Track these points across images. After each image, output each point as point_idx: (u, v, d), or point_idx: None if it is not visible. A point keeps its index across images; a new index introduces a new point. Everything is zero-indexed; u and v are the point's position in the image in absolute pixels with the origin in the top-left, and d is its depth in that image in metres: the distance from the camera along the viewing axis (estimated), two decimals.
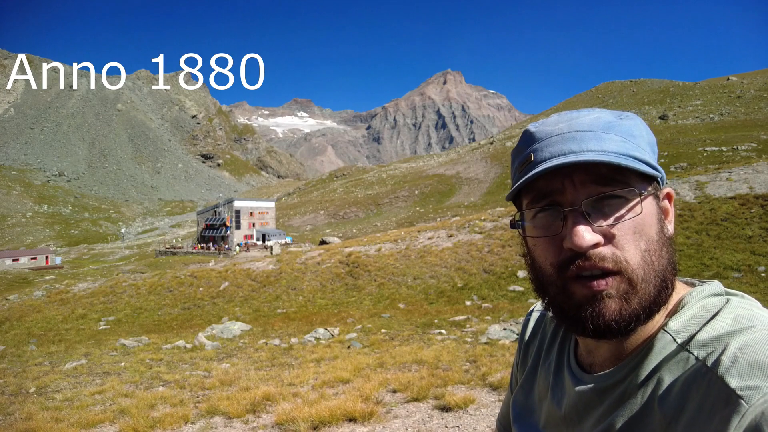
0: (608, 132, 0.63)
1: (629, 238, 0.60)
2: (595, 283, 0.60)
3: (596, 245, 0.60)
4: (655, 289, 0.60)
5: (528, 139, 0.68)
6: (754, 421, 0.49)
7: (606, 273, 0.60)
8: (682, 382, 0.56)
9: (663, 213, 0.66)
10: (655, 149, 0.68)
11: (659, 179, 0.65)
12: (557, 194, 0.63)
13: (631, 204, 0.61)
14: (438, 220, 45.97)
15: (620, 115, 0.67)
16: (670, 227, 0.67)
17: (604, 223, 0.60)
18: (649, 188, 0.63)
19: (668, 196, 0.68)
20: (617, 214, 0.61)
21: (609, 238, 0.60)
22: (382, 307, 15.45)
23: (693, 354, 0.57)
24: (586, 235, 0.59)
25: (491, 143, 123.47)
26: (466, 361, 6.55)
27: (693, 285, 0.68)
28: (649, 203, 0.62)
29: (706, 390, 0.53)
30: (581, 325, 0.62)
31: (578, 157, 0.60)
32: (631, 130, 0.64)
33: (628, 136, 0.64)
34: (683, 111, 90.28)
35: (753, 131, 61.31)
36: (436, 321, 11.24)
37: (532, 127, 0.68)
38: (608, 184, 0.61)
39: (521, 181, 0.65)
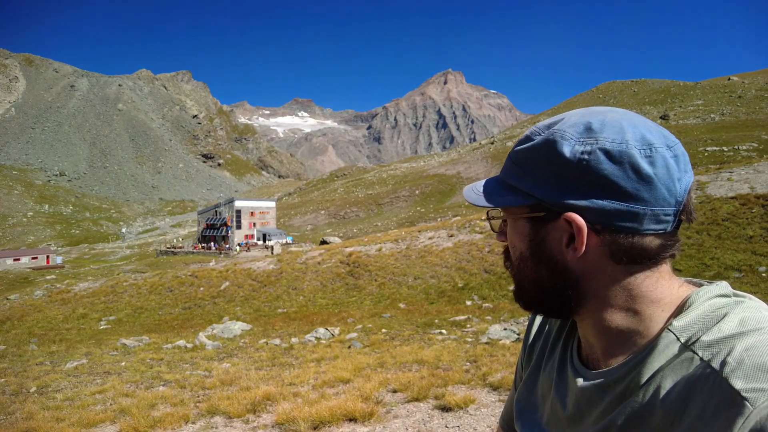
0: (508, 159, 0.73)
1: (511, 244, 0.75)
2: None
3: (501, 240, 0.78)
4: (533, 291, 0.72)
5: None
6: (758, 423, 0.49)
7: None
8: (685, 382, 0.56)
9: (564, 236, 0.65)
10: (566, 173, 0.64)
11: (538, 204, 0.67)
12: None
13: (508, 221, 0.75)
14: (439, 220, 45.96)
15: (543, 129, 0.69)
16: (571, 252, 0.65)
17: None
18: (517, 210, 0.71)
19: (567, 221, 0.64)
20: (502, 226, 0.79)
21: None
22: (382, 307, 15.45)
23: (698, 355, 0.57)
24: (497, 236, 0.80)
25: (492, 143, 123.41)
26: (467, 361, 6.54)
27: (700, 285, 0.67)
28: (519, 223, 0.72)
29: (711, 391, 0.53)
30: None
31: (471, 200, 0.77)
32: (521, 155, 0.70)
33: (517, 160, 0.71)
34: (684, 111, 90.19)
35: (754, 131, 61.24)
36: (436, 321, 11.24)
37: None
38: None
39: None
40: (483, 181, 0.77)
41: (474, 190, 0.76)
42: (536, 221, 0.68)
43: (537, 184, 0.67)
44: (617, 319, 0.65)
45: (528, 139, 0.70)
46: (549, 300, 0.70)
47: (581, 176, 0.63)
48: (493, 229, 0.82)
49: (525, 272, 0.72)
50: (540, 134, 0.68)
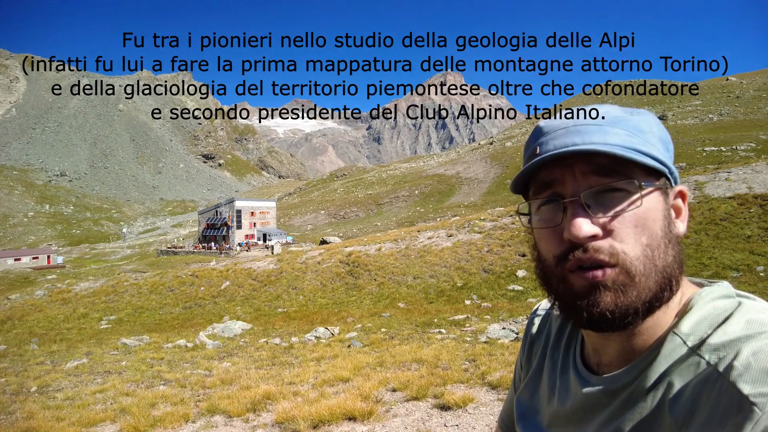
0: (614, 126, 0.64)
1: (629, 231, 0.60)
2: (591, 273, 0.60)
3: (594, 237, 0.60)
4: (655, 285, 0.60)
5: (536, 133, 0.69)
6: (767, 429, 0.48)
7: (604, 264, 0.60)
8: (692, 387, 0.55)
9: (675, 211, 0.66)
10: (670, 147, 0.68)
11: (669, 175, 0.65)
12: (558, 185, 0.63)
13: (633, 197, 0.60)
14: (438, 219, 45.99)
15: (630, 111, 0.67)
16: (681, 226, 0.66)
17: (604, 216, 0.60)
18: (656, 183, 0.63)
19: (681, 195, 0.67)
20: (618, 207, 0.60)
21: (608, 231, 0.60)
22: (382, 306, 15.47)
23: (704, 358, 0.56)
24: (584, 226, 0.59)
25: (491, 143, 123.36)
26: (466, 360, 6.56)
27: (702, 285, 0.67)
28: (653, 198, 0.62)
29: (718, 396, 0.52)
30: (578, 316, 0.62)
31: (578, 147, 0.61)
32: (639, 126, 0.65)
33: (636, 130, 0.64)
34: (682, 111, 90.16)
35: (752, 131, 61.25)
36: (435, 320, 11.25)
37: (541, 122, 0.70)
38: (609, 176, 0.61)
39: (523, 170, 0.66)
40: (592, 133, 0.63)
41: (603, 140, 0.62)
42: (666, 194, 0.64)
43: (661, 152, 0.65)
44: None
45: (636, 112, 0.68)
46: (663, 294, 0.61)
47: (671, 153, 0.68)
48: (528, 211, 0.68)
49: (653, 262, 0.60)
50: (634, 112, 0.67)
